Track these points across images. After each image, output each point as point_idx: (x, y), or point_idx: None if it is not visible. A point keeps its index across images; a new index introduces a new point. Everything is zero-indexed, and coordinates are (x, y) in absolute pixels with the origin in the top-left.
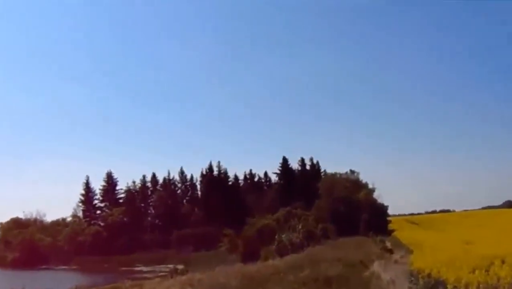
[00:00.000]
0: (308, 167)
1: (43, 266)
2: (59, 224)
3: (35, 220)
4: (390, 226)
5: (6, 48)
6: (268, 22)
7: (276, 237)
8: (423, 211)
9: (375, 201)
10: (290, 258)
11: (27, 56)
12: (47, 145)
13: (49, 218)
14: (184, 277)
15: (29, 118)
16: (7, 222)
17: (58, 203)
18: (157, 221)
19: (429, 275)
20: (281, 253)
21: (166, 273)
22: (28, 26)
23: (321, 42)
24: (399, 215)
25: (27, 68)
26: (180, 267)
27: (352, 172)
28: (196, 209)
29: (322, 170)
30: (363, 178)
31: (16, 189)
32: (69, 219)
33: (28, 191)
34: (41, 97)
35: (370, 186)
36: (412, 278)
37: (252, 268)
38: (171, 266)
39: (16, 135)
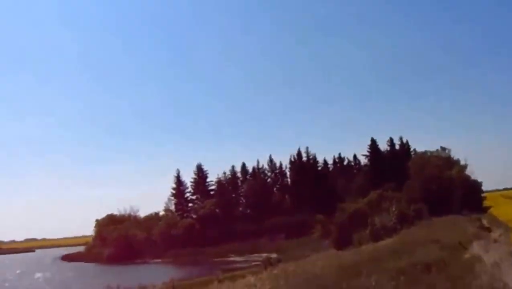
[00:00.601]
0: (397, 147)
1: (138, 260)
2: (152, 218)
3: (129, 215)
4: (485, 203)
5: (95, 54)
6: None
7: (368, 221)
8: None
9: (468, 177)
10: (384, 242)
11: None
12: (138, 141)
13: (142, 213)
14: (276, 270)
15: (122, 115)
16: (103, 219)
17: (151, 198)
18: (248, 210)
19: None
20: (375, 237)
21: (259, 263)
22: (116, 32)
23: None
24: (493, 190)
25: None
26: (273, 256)
27: (443, 149)
28: (286, 197)
29: (411, 149)
30: (455, 154)
31: (111, 186)
32: (162, 213)
33: (122, 188)
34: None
35: (462, 162)
36: None
37: (347, 255)
38: (264, 255)
39: (106, 133)
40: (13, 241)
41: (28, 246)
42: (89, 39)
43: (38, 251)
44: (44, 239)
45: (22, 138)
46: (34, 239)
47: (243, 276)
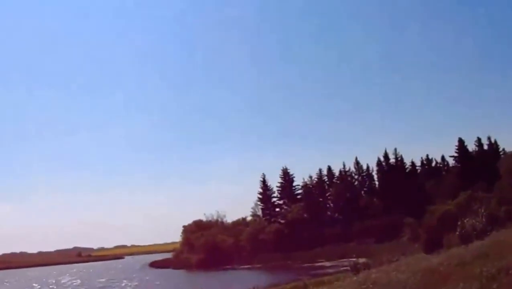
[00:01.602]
0: (486, 147)
1: (227, 266)
2: (240, 223)
3: (216, 221)
4: None
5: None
6: None
7: (458, 223)
8: None
9: None
10: (474, 245)
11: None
12: (224, 148)
13: (229, 218)
14: (359, 277)
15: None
16: (189, 225)
17: (238, 204)
18: (336, 214)
19: None
20: (465, 240)
21: (348, 268)
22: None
23: None
24: None
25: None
26: (362, 260)
27: None
28: (374, 200)
29: (501, 149)
30: None
31: (197, 193)
32: (249, 218)
33: (209, 194)
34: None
35: None
36: None
37: (435, 259)
38: (353, 259)
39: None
40: (102, 248)
41: (117, 253)
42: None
43: (127, 258)
44: (133, 246)
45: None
46: (124, 246)
47: (328, 282)
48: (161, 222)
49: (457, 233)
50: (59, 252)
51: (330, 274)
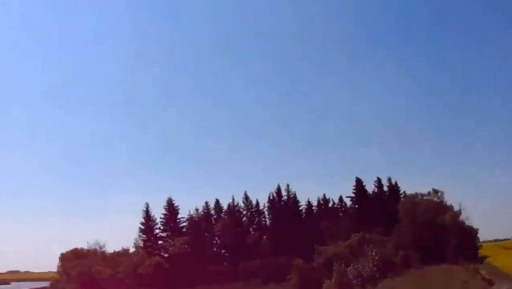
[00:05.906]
0: (385, 188)
1: None
2: (120, 254)
3: (95, 250)
4: (481, 252)
5: None
6: None
7: (334, 268)
8: None
9: (462, 224)
10: None
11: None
12: (113, 179)
13: (111, 248)
14: None
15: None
16: (67, 253)
17: (122, 234)
18: (222, 251)
19: None
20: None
21: None
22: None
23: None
24: (485, 241)
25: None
26: None
27: (436, 191)
28: (264, 238)
29: (401, 191)
30: (447, 199)
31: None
32: (131, 250)
33: (94, 224)
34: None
35: (456, 207)
36: None
37: None
38: None
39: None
40: None
41: (8, 278)
42: None
43: (13, 284)
44: (27, 272)
45: None
46: (17, 272)
47: None
48: (57, 248)
49: (333, 280)
50: None
51: None
